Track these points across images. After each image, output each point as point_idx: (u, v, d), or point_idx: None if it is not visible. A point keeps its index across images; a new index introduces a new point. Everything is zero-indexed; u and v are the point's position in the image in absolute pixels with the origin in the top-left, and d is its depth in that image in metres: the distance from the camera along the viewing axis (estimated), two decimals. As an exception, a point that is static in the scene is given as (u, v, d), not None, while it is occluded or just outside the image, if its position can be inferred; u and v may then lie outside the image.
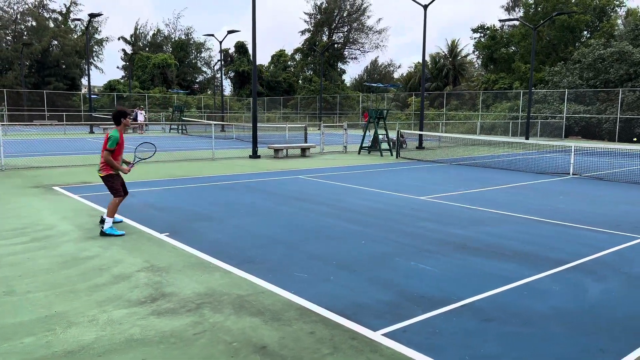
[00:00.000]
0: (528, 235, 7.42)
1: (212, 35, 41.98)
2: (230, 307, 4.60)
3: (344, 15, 66.72)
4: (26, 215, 8.31)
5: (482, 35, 47.76)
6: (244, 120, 51.17)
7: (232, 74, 66.05)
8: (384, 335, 4.06)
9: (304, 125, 26.57)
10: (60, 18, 60.37)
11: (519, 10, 49.85)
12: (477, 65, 59.06)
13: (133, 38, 71.32)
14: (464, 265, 5.93)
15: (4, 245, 6.53)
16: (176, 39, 71.09)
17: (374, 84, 61.84)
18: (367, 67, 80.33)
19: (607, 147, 21.67)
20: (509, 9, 51.95)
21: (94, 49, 62.96)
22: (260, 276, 5.41)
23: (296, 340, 3.97)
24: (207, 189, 11.39)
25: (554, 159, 19.25)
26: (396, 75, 77.39)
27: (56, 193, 10.45)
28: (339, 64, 67.99)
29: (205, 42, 71.94)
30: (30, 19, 56.58)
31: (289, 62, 69.00)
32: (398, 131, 20.74)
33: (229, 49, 66.96)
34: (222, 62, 49.51)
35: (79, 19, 49.79)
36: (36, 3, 57.34)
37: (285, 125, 31.71)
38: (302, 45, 66.85)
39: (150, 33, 71.88)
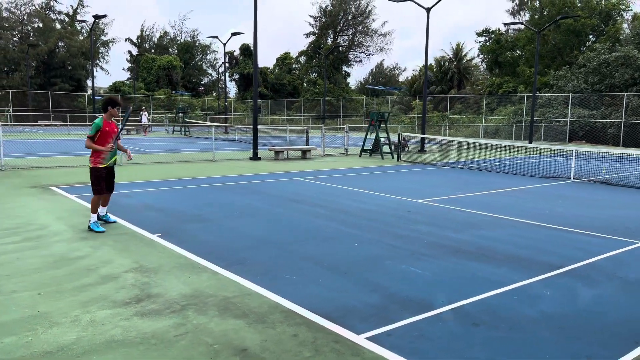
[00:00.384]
0: (523, 239, 7.35)
1: (216, 37, 42.13)
2: (215, 308, 4.56)
3: (349, 18, 66.80)
4: (21, 215, 8.31)
5: (487, 39, 47.65)
6: (248, 123, 51.21)
7: (237, 76, 66.21)
8: (368, 338, 4.00)
9: (305, 127, 26.54)
10: (66, 19, 60.73)
11: (525, 14, 49.76)
12: (482, 69, 58.92)
13: (139, 40, 71.65)
14: (455, 269, 5.86)
15: (-5, 244, 6.52)
16: (182, 41, 71.36)
17: (375, 87, 61.76)
18: (372, 70, 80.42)
19: (609, 152, 21.51)
20: (514, 13, 51.84)
21: (100, 51, 63.28)
22: (248, 278, 5.37)
23: (278, 343, 3.92)
24: (204, 190, 11.37)
25: (556, 163, 19.13)
26: (401, 78, 77.37)
27: (53, 193, 10.45)
28: (344, 67, 68.02)
29: (210, 44, 72.28)
30: (37, 20, 56.90)
31: (294, 65, 69.11)
32: (399, 134, 20.67)
33: (234, 51, 67.20)
34: (226, 64, 49.60)
35: (84, 21, 50.05)
36: (43, 5, 57.73)
37: (286, 128, 31.70)
38: (307, 48, 66.94)
39: (157, 35, 72.23)
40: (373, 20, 70.34)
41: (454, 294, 5.03)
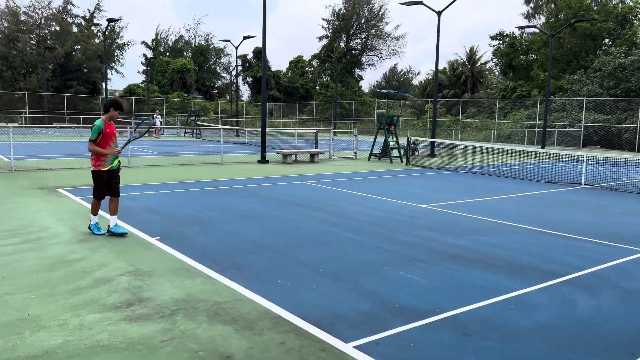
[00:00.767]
0: (526, 246, 7.22)
1: (228, 40, 42.33)
2: (204, 314, 4.52)
3: (362, 21, 66.65)
4: (23, 216, 8.38)
5: (501, 42, 47.27)
6: (259, 126, 51.32)
7: (250, 80, 66.45)
8: (356, 347, 3.94)
9: (315, 131, 26.51)
10: (83, 23, 61.50)
11: (539, 18, 49.29)
12: (496, 73, 58.44)
13: (154, 43, 72.28)
14: (453, 276, 5.77)
15: (-5, 246, 6.57)
16: (196, 44, 71.85)
17: (385, 90, 61.56)
18: (385, 73, 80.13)
19: (622, 157, 21.14)
20: (529, 17, 51.39)
21: (115, 54, 63.93)
22: (242, 283, 5.33)
23: (264, 350, 3.87)
24: (208, 193, 11.38)
25: (567, 169, 18.85)
26: (415, 82, 77.01)
27: (59, 195, 10.54)
28: (356, 70, 67.91)
29: (224, 47, 72.57)
30: (54, 23, 57.68)
31: (307, 68, 69.18)
32: (408, 138, 20.54)
33: (248, 54, 67.50)
34: (239, 67, 49.84)
35: (99, 24, 50.65)
36: (60, 8, 58.54)
37: (294, 131, 31.71)
38: (320, 51, 66.98)
39: (172, 38, 72.78)
40: (386, 23, 69.97)
41: (449, 302, 4.94)
